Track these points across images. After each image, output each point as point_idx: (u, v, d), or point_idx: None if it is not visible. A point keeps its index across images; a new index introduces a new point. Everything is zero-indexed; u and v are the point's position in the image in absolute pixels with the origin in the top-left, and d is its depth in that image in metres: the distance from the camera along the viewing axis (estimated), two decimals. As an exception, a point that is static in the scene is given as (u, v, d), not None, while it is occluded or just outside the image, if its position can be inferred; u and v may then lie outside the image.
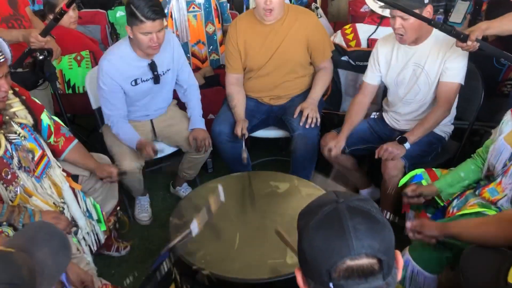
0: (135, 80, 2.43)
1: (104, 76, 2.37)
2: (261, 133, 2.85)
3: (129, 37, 2.34)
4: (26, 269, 0.97)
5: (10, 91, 1.84)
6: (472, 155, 2.01)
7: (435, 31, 2.17)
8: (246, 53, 2.63)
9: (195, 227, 1.66)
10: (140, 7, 2.14)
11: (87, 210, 2.06)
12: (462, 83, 2.25)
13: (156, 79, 2.46)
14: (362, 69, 2.57)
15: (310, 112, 2.51)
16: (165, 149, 2.72)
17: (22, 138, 1.84)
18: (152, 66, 2.42)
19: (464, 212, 1.82)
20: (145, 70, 2.43)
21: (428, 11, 2.12)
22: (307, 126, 2.50)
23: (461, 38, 2.03)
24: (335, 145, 2.40)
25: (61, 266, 1.09)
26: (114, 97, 2.42)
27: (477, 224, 1.59)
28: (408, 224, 1.70)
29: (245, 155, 2.45)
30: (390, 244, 0.92)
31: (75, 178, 2.12)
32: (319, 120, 2.54)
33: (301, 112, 2.53)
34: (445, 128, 2.43)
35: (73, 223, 1.98)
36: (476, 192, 1.89)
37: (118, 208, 2.39)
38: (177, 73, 2.59)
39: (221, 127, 2.62)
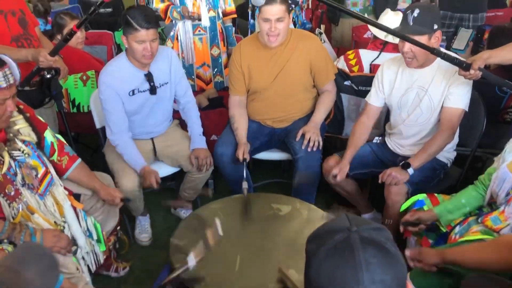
0: (133, 91, 2.47)
1: (103, 86, 2.42)
2: (263, 155, 2.85)
3: (126, 49, 2.43)
4: None
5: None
6: (474, 181, 2.01)
7: None
8: (249, 76, 2.66)
9: (192, 261, 1.65)
10: (135, 17, 2.26)
11: (88, 229, 2.05)
12: (466, 109, 2.26)
13: (153, 90, 2.49)
14: (365, 94, 2.59)
15: (312, 136, 2.52)
16: (167, 170, 2.72)
17: (26, 155, 1.85)
18: (149, 77, 2.47)
19: (466, 238, 1.80)
20: (142, 81, 2.47)
21: (437, 37, 2.15)
22: (309, 150, 2.50)
23: (464, 67, 2.06)
24: (339, 170, 2.39)
25: (49, 286, 1.09)
26: (113, 107, 2.44)
27: (475, 250, 1.57)
28: (408, 252, 1.66)
29: (245, 186, 2.27)
30: (402, 279, 0.87)
31: (77, 197, 2.12)
32: (321, 143, 2.55)
33: (303, 135, 2.54)
34: (448, 154, 2.44)
35: (73, 242, 1.97)
36: (479, 220, 1.88)
37: (119, 227, 2.38)
38: (175, 88, 2.62)
39: (223, 149, 2.62)
